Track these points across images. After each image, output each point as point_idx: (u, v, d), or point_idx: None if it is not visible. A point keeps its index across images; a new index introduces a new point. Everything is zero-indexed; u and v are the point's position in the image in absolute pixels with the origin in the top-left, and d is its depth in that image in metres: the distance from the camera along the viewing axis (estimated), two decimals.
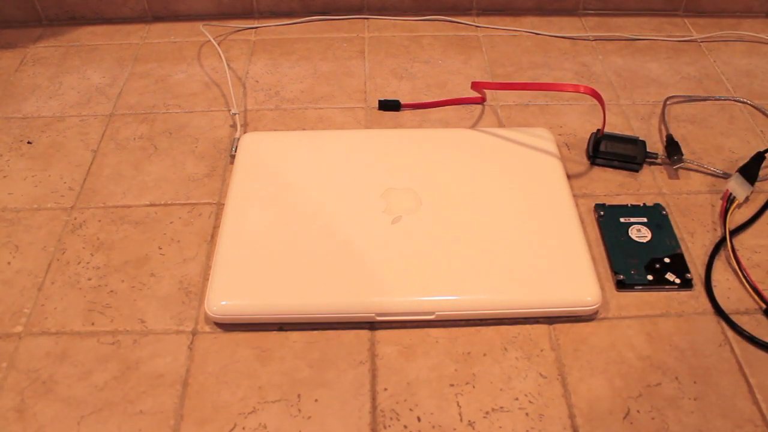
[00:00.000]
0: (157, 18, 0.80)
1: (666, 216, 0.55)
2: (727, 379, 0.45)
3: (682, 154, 0.60)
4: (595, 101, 0.58)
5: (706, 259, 0.52)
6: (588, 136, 0.61)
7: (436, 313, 0.47)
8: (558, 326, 0.48)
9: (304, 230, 0.52)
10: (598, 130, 0.60)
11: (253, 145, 0.59)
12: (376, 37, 0.77)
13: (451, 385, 0.45)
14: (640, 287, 0.50)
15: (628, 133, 0.61)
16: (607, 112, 0.59)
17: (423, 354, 0.46)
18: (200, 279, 0.51)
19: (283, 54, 0.75)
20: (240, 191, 0.55)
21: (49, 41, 0.77)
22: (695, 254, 0.53)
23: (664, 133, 0.64)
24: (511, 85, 0.65)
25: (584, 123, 0.65)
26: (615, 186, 0.58)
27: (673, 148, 0.61)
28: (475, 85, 0.61)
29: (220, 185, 0.59)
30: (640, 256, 0.52)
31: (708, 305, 0.50)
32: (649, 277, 0.50)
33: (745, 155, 0.59)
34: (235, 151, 0.60)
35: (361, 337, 0.47)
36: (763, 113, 0.66)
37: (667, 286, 0.50)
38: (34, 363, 0.46)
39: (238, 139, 0.61)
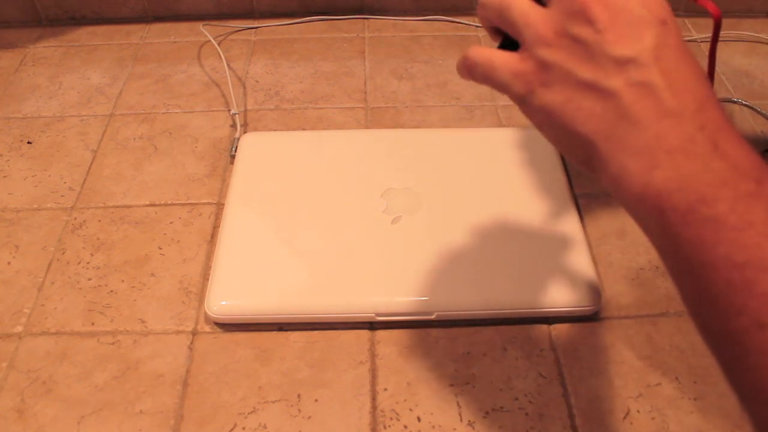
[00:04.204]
0: (157, 18, 0.80)
1: None
2: None
3: None
4: None
5: None
6: None
7: (436, 313, 0.47)
8: (558, 326, 0.48)
9: (304, 230, 0.52)
10: None
11: (253, 145, 0.59)
12: (376, 37, 0.77)
13: (451, 385, 0.45)
14: None
15: None
16: None
17: (423, 354, 0.46)
18: (200, 279, 0.51)
19: (283, 54, 0.75)
20: (240, 191, 0.55)
21: (49, 41, 0.77)
22: None
23: None
24: None
25: None
26: None
27: None
28: None
29: (220, 185, 0.59)
30: None
31: None
32: None
33: None
34: (235, 151, 0.60)
35: (361, 337, 0.47)
36: (762, 114, 0.66)
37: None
38: (34, 363, 0.46)
39: (238, 139, 0.61)
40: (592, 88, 0.28)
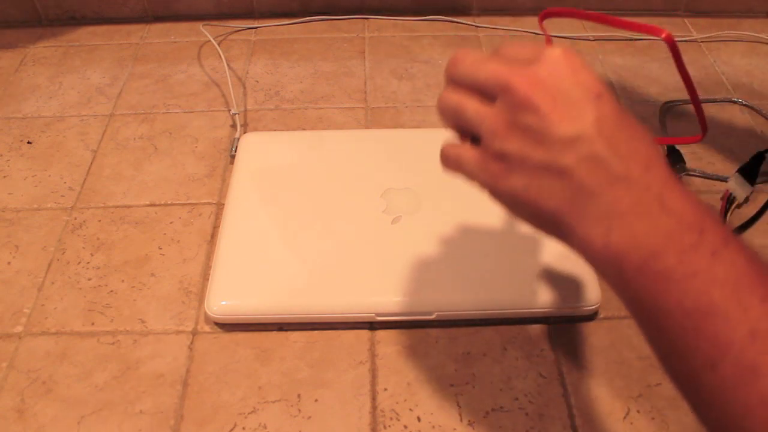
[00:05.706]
0: (157, 18, 0.80)
1: None
2: None
3: (684, 162, 0.60)
4: None
5: None
6: None
7: (436, 313, 0.47)
8: (558, 326, 0.48)
9: (304, 230, 0.52)
10: None
11: (253, 145, 0.59)
12: (376, 37, 0.77)
13: (451, 385, 0.45)
14: None
15: None
16: None
17: (423, 354, 0.46)
18: (200, 279, 0.51)
19: (283, 54, 0.75)
20: (240, 191, 0.55)
21: (49, 41, 0.77)
22: None
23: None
24: (585, 14, 0.47)
25: None
26: None
27: (674, 157, 0.60)
28: (547, 14, 0.46)
29: (220, 185, 0.59)
30: None
31: None
32: None
33: (745, 155, 0.59)
34: (235, 151, 0.60)
35: (361, 337, 0.47)
36: (762, 114, 0.66)
37: None
38: (34, 363, 0.46)
39: (238, 139, 0.61)
40: (547, 168, 0.30)
